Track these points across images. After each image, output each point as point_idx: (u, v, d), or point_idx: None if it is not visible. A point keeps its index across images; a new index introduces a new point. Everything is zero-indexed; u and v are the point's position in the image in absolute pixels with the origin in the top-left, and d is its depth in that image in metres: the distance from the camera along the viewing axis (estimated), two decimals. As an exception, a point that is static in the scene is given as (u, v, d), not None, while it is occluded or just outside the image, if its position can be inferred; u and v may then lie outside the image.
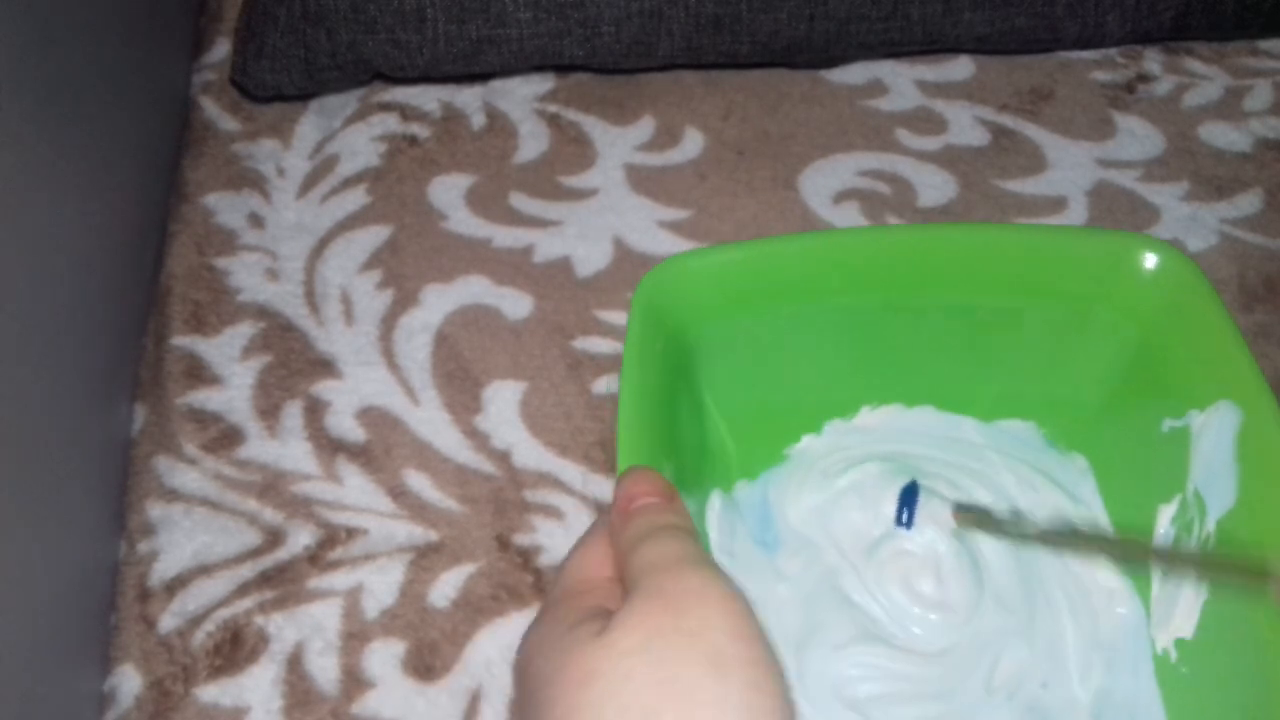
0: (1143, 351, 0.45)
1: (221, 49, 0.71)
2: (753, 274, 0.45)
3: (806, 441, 0.49)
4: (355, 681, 0.47)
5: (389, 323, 0.58)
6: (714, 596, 0.30)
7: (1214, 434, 0.42)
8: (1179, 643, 0.43)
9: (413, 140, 0.66)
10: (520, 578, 0.50)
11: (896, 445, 0.48)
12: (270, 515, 0.52)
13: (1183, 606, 0.43)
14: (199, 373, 0.56)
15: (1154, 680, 0.44)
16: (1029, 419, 0.49)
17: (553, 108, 0.68)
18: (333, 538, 0.51)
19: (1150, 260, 0.45)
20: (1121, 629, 0.45)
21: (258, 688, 0.47)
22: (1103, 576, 0.46)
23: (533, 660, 0.32)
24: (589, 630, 0.30)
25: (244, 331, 0.58)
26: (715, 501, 0.45)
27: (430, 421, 0.55)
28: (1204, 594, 0.42)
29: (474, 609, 0.49)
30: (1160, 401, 0.45)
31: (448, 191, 0.64)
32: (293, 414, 0.55)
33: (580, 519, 0.52)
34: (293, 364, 0.57)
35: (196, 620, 0.49)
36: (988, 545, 0.45)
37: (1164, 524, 0.45)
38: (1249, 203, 0.64)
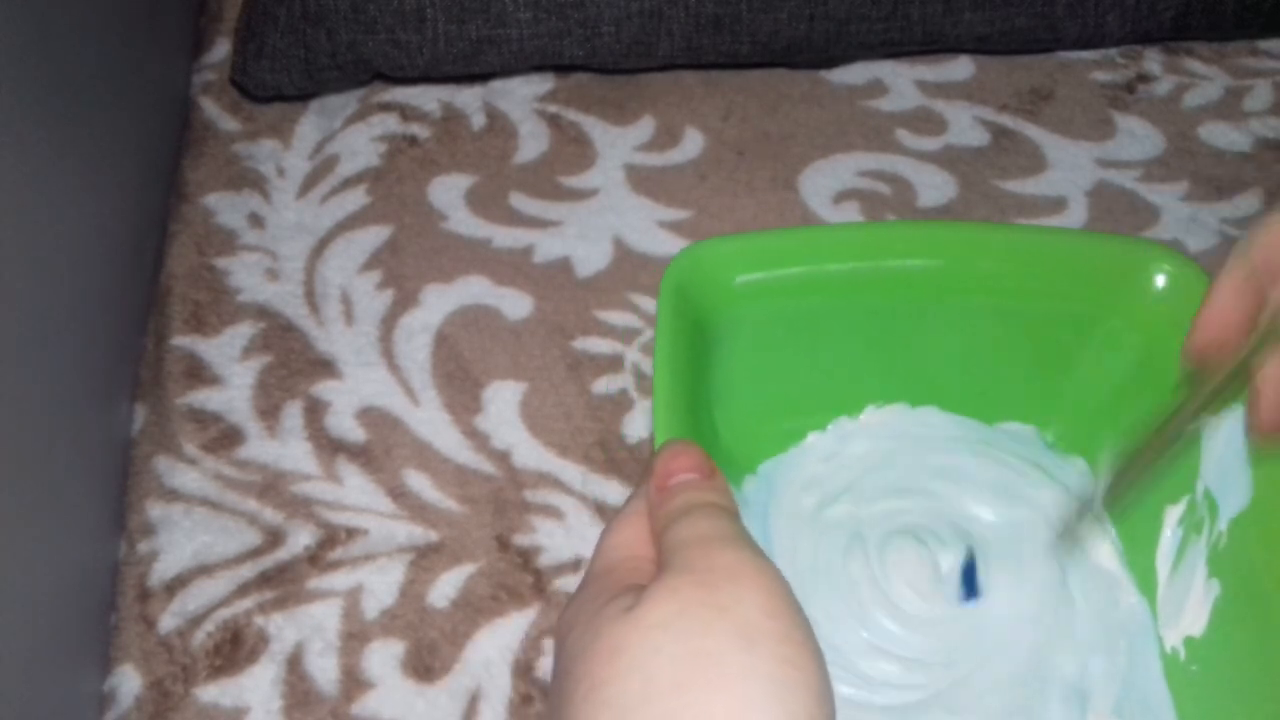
0: (1147, 359, 0.45)
1: (221, 49, 0.71)
2: (777, 264, 0.45)
3: (812, 439, 0.49)
4: (355, 682, 0.47)
5: (389, 323, 0.58)
6: (747, 574, 0.30)
7: (1225, 434, 0.42)
8: (1188, 641, 0.43)
9: (413, 140, 0.66)
10: (520, 578, 0.50)
11: (893, 450, 0.48)
12: (270, 515, 0.52)
13: (1192, 604, 0.43)
14: (199, 373, 0.56)
15: (1163, 678, 0.44)
16: (1030, 422, 0.49)
17: (553, 108, 0.68)
18: (333, 538, 0.51)
19: (1161, 272, 0.45)
20: (1129, 620, 0.45)
21: (258, 688, 0.47)
22: (1105, 559, 0.46)
23: (566, 637, 0.31)
24: (619, 606, 0.30)
25: (244, 331, 0.58)
26: None
27: (430, 422, 0.55)
28: (1215, 590, 0.42)
29: (474, 609, 0.49)
30: (1165, 406, 0.44)
31: (448, 191, 0.64)
32: (293, 414, 0.55)
33: (580, 519, 0.52)
34: (293, 364, 0.57)
35: (196, 620, 0.49)
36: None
37: (1171, 525, 0.44)
38: (1249, 203, 0.64)
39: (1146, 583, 0.45)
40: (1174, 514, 0.44)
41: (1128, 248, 0.47)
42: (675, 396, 0.40)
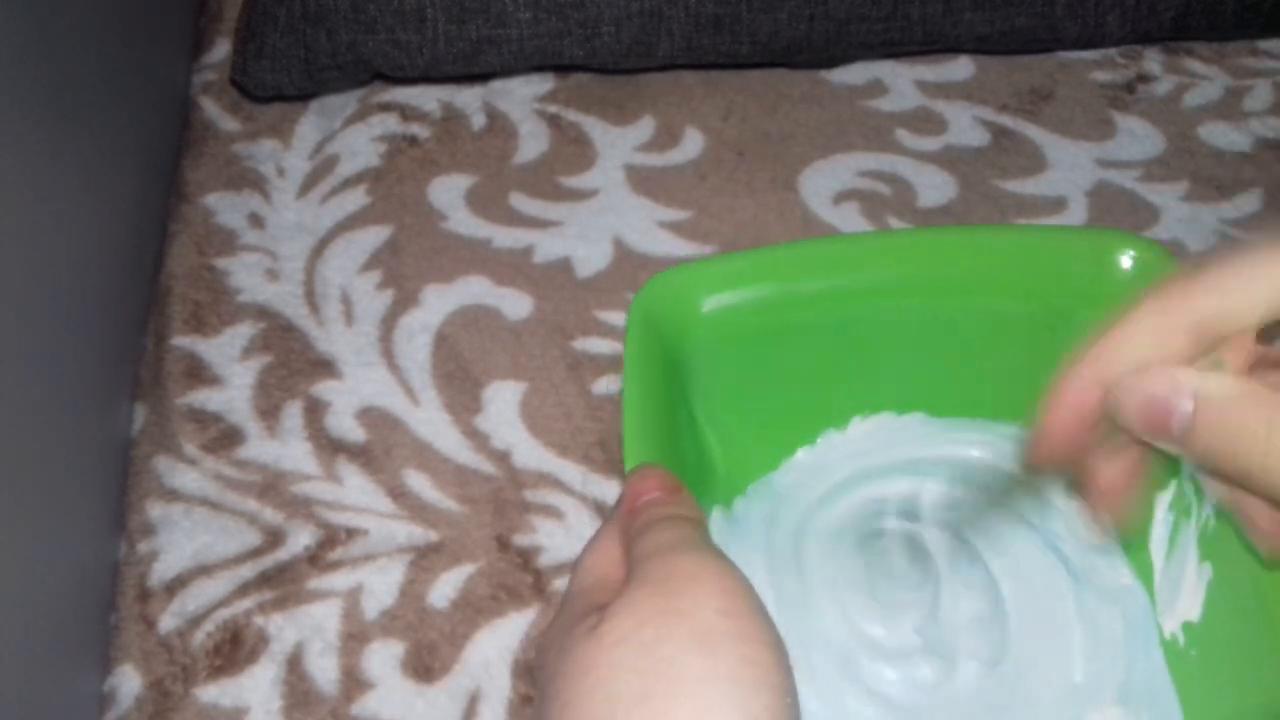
0: None
1: (221, 49, 0.71)
2: (743, 286, 0.45)
3: (801, 455, 0.49)
4: (355, 682, 0.47)
5: (389, 323, 0.58)
6: (706, 576, 0.30)
7: None
8: (1186, 626, 0.43)
9: (413, 140, 0.66)
10: (520, 578, 0.50)
11: (883, 459, 0.48)
12: (270, 515, 0.52)
13: (1187, 589, 0.43)
14: (199, 373, 0.56)
15: (1164, 665, 0.44)
16: (1015, 420, 0.49)
17: (553, 108, 0.68)
18: (333, 538, 0.51)
19: (1126, 257, 0.45)
20: (1127, 607, 0.45)
21: (257, 688, 0.47)
22: (1097, 546, 0.46)
23: (543, 660, 0.32)
24: (586, 625, 0.30)
25: (244, 331, 0.58)
26: (717, 518, 0.45)
27: (430, 422, 0.55)
28: (1208, 574, 0.42)
29: (473, 609, 0.49)
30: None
31: (448, 192, 0.64)
32: (293, 414, 0.55)
33: (580, 519, 0.52)
34: (293, 364, 0.57)
35: (196, 620, 0.49)
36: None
37: (1162, 510, 0.45)
38: (1249, 203, 0.64)
39: (1143, 571, 0.45)
40: (1164, 500, 0.45)
41: (1089, 237, 0.47)
42: (645, 426, 0.40)
